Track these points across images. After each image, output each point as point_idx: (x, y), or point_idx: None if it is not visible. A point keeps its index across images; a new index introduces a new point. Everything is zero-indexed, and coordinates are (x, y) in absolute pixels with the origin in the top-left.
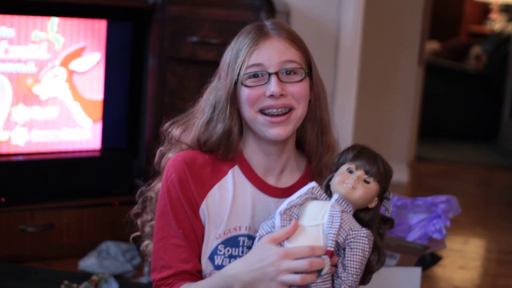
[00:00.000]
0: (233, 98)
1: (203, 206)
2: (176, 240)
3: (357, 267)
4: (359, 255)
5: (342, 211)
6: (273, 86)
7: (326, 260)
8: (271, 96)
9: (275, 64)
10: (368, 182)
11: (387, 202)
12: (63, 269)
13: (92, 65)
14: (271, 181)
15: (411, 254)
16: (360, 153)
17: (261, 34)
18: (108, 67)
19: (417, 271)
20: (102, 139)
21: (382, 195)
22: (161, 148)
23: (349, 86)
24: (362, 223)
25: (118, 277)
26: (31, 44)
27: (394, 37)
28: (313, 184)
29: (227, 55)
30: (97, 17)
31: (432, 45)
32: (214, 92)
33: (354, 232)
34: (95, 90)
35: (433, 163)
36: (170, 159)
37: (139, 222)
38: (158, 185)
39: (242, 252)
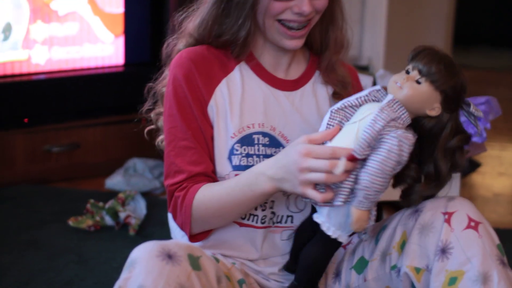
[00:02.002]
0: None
1: (211, 102)
2: (185, 142)
3: (376, 167)
4: (381, 155)
5: (392, 118)
6: (305, 5)
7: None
8: (298, 13)
9: None
10: (419, 83)
11: (473, 117)
12: (90, 188)
13: None
14: (280, 75)
15: None
16: (420, 52)
17: None
18: None
19: (455, 177)
20: (125, 54)
21: (451, 105)
22: (169, 40)
23: None
24: (423, 131)
25: (145, 194)
26: None
27: None
28: (377, 87)
29: None
30: None
31: None
32: None
33: (386, 132)
34: (115, 3)
35: (469, 69)
36: (175, 55)
37: (152, 115)
38: (166, 78)
39: (258, 150)
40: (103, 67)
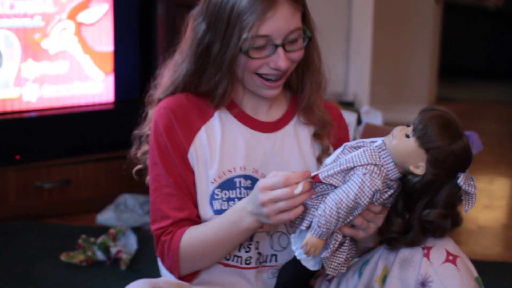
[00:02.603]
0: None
1: (191, 150)
2: (169, 189)
3: (332, 198)
4: (341, 189)
5: (375, 163)
6: (281, 62)
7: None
8: (275, 68)
9: (282, 35)
10: (408, 137)
11: (467, 193)
12: (82, 224)
13: (100, 16)
14: (261, 117)
15: None
16: (425, 110)
17: (268, 0)
18: (116, 17)
19: None
20: (115, 92)
21: (439, 169)
22: (151, 92)
23: (364, 25)
24: (407, 188)
25: (136, 230)
26: None
27: None
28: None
29: (226, 6)
30: None
31: None
32: (205, 41)
33: (359, 171)
34: (105, 41)
35: (455, 103)
36: (156, 104)
37: (139, 154)
38: (149, 125)
39: (240, 193)
40: (93, 105)
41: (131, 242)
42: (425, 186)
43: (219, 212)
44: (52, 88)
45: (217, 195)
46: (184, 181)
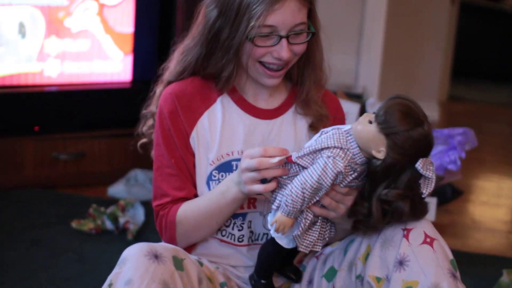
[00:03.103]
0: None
1: (193, 134)
2: (169, 170)
3: (299, 179)
4: (307, 170)
5: (341, 147)
6: (283, 52)
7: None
8: (278, 58)
9: (287, 28)
10: (370, 122)
11: (425, 178)
12: (93, 195)
13: None
14: (261, 104)
15: None
16: (389, 99)
17: None
18: (138, 1)
19: (432, 201)
20: (133, 71)
21: (399, 154)
22: (160, 73)
23: (377, 21)
24: (370, 171)
25: (145, 203)
26: None
27: None
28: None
29: None
30: None
31: None
32: (216, 28)
33: (325, 154)
34: (126, 23)
35: (466, 102)
36: (163, 91)
37: (144, 129)
38: (156, 103)
39: None
40: (111, 83)
41: (139, 214)
42: (386, 169)
43: None
44: (72, 65)
45: (214, 176)
46: (184, 163)
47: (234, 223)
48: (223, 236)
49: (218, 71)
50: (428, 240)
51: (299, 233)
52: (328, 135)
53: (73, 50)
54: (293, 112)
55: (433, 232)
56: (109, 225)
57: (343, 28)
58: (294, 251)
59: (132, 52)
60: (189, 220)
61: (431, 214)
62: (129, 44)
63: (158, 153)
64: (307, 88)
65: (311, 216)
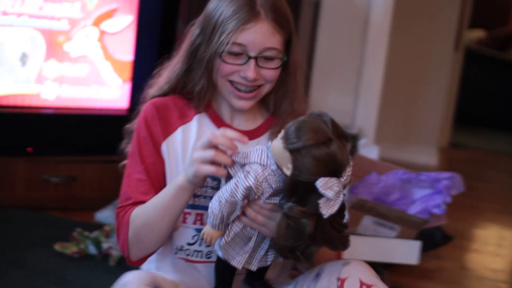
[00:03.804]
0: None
1: (163, 145)
2: (139, 175)
3: (216, 197)
4: (225, 186)
5: (261, 163)
6: (249, 71)
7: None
8: (244, 78)
9: (257, 49)
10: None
11: (325, 197)
12: (81, 219)
13: (123, 26)
14: (237, 124)
15: (411, 227)
16: (303, 116)
17: (252, 14)
18: (139, 30)
19: (415, 244)
20: (130, 99)
21: (301, 172)
22: (145, 91)
23: (376, 64)
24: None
25: None
26: (65, 2)
27: (429, 18)
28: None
29: (215, 12)
30: None
31: (478, 33)
32: (195, 44)
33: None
34: (126, 50)
35: (467, 150)
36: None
37: (126, 150)
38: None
39: (206, 192)
40: (108, 109)
41: None
42: (291, 187)
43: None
44: (70, 89)
45: None
46: (155, 169)
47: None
48: (188, 256)
49: (191, 89)
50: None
51: (222, 243)
52: (254, 150)
53: (71, 74)
54: (269, 138)
55: (369, 278)
56: (92, 249)
57: (342, 67)
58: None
59: (131, 80)
60: (139, 218)
61: (414, 257)
62: (128, 72)
63: (131, 160)
64: (282, 120)
65: (238, 228)
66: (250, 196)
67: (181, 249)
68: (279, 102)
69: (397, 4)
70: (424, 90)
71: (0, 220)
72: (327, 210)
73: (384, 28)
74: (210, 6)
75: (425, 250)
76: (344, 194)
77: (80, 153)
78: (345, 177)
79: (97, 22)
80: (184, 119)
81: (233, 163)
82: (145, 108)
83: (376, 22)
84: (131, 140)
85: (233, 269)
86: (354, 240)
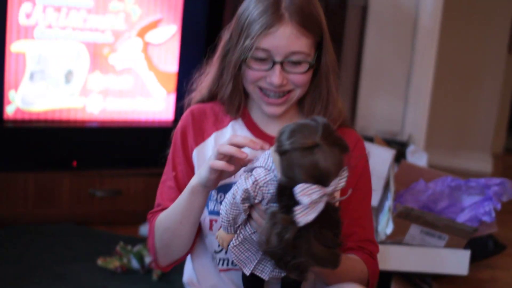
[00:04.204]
0: (240, 67)
1: (195, 152)
2: (170, 183)
3: (224, 200)
4: (229, 191)
5: (266, 167)
6: (274, 77)
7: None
8: (270, 83)
9: (282, 54)
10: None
11: (302, 204)
12: (125, 234)
13: (168, 37)
14: (271, 131)
15: (460, 236)
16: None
17: (275, 17)
18: (183, 40)
19: (465, 254)
20: (175, 111)
21: (288, 175)
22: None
23: (426, 69)
24: None
25: None
26: (109, 14)
27: (481, 20)
28: None
29: (244, 14)
30: None
31: None
32: (226, 48)
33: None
34: (170, 62)
35: None
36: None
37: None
38: None
39: None
40: (153, 121)
41: None
42: (279, 191)
43: (212, 212)
44: (115, 101)
45: (213, 196)
46: (184, 177)
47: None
48: (219, 264)
49: (221, 94)
50: None
51: (230, 246)
52: (264, 153)
53: (116, 86)
54: None
55: None
56: (135, 264)
57: (391, 72)
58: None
59: (176, 91)
60: (162, 223)
61: (464, 267)
62: (173, 83)
63: (166, 168)
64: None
65: (247, 232)
66: (250, 200)
67: (211, 257)
68: (313, 106)
69: (446, 6)
70: (476, 95)
71: (45, 235)
72: (302, 218)
73: (433, 31)
74: (240, 8)
75: (476, 260)
76: (334, 206)
77: (125, 166)
78: (332, 187)
79: (141, 33)
80: (218, 125)
81: (246, 158)
82: (183, 115)
83: (425, 25)
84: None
85: (261, 280)
86: (400, 250)
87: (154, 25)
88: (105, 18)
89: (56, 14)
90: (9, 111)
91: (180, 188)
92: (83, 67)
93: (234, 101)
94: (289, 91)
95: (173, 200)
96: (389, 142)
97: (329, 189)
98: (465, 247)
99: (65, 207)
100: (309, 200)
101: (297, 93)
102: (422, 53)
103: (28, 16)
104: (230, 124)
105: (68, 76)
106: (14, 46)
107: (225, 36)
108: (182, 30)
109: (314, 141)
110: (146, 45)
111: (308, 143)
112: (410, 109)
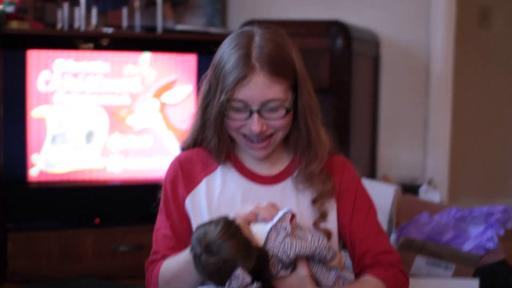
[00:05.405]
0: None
1: (188, 200)
2: (166, 231)
3: None
4: None
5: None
6: (253, 125)
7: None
8: (249, 131)
9: (258, 102)
10: None
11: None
12: None
13: (184, 97)
14: (261, 171)
15: (466, 265)
16: None
17: (246, 68)
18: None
19: (473, 284)
20: None
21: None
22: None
23: (443, 114)
24: None
25: None
26: (125, 77)
27: (495, 61)
28: None
29: (219, 66)
30: (187, 52)
31: None
32: (207, 100)
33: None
34: (188, 120)
35: None
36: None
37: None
38: None
39: None
40: None
41: None
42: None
43: None
44: (135, 160)
45: None
46: (179, 226)
47: None
48: None
49: (208, 145)
50: None
51: None
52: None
53: (135, 146)
54: (295, 177)
55: None
56: None
57: (408, 120)
58: None
59: None
60: (168, 271)
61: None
62: None
63: (159, 217)
64: (302, 165)
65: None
66: None
67: None
68: (297, 144)
69: (458, 50)
70: (505, 138)
71: None
72: None
73: (447, 76)
74: (216, 57)
75: None
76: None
77: (146, 222)
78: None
79: (157, 94)
80: (208, 170)
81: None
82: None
83: (438, 72)
84: (161, 195)
85: None
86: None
87: (169, 86)
88: (122, 81)
89: (74, 80)
90: (33, 173)
91: (177, 237)
92: (102, 129)
93: (221, 150)
94: (271, 134)
95: (171, 248)
96: (408, 188)
97: None
98: (474, 276)
99: (89, 263)
100: None
101: (279, 135)
102: (437, 98)
103: (47, 83)
104: (219, 168)
105: (89, 137)
106: (35, 112)
107: (205, 86)
108: (198, 89)
109: (197, 252)
110: (163, 105)
111: (197, 253)
112: (430, 155)
